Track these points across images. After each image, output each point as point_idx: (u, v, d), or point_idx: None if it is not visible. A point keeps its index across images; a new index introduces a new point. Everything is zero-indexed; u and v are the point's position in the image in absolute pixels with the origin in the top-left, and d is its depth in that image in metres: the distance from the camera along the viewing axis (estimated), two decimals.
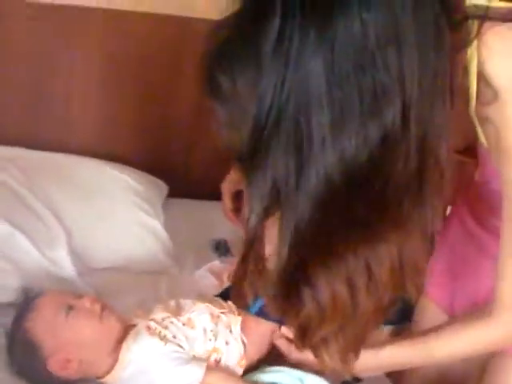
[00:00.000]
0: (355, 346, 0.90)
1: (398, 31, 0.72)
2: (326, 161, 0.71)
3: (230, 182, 1.36)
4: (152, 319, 1.14)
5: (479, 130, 0.88)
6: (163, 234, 1.58)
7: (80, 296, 1.18)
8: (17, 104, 1.80)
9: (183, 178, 1.89)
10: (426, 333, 1.06)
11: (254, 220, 0.76)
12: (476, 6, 0.82)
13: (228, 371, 1.13)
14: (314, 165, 0.71)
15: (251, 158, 0.74)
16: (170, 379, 1.07)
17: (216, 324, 1.14)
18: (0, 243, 1.31)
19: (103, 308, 1.15)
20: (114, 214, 1.56)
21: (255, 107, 0.72)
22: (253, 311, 1.13)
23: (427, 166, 0.76)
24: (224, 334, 1.13)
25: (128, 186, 1.65)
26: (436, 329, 1.04)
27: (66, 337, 1.12)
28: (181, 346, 1.11)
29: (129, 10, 1.77)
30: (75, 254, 1.41)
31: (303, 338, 0.88)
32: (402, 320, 1.27)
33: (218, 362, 1.13)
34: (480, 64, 0.82)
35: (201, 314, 1.15)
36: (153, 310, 1.18)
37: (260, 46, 0.71)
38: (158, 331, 1.11)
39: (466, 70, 0.84)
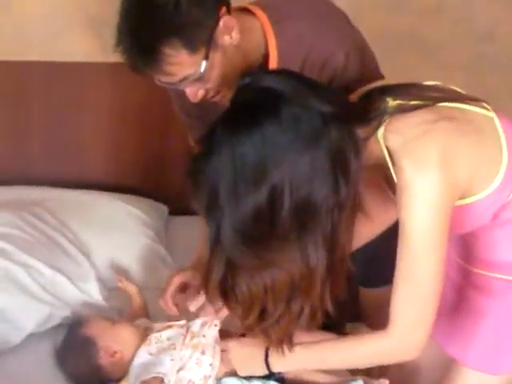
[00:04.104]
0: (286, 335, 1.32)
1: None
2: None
3: (182, 275, 1.58)
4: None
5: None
6: (166, 256, 2.00)
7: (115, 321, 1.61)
8: (40, 150, 2.21)
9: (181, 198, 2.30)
10: (329, 339, 1.36)
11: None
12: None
13: None
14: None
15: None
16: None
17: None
18: (46, 283, 1.75)
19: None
20: (126, 242, 1.97)
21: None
22: None
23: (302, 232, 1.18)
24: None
25: (136, 216, 2.06)
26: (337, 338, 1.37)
27: (114, 337, 1.54)
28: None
29: None
30: (101, 282, 1.83)
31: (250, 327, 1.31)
32: None
33: None
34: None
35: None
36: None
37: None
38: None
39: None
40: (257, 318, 1.27)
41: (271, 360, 1.39)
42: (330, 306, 1.28)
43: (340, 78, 1.42)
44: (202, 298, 1.53)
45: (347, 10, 1.61)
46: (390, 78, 1.67)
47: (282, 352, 1.35)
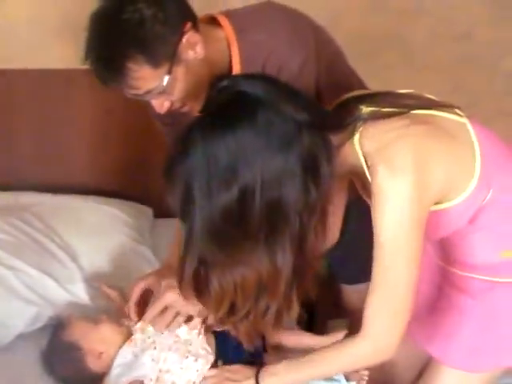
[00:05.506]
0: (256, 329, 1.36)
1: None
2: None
3: (144, 282, 1.61)
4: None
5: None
6: (151, 257, 2.03)
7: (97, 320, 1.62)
8: (26, 156, 2.23)
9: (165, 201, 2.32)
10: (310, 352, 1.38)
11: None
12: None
13: None
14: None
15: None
16: None
17: None
18: (34, 285, 1.78)
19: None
20: (111, 245, 1.99)
21: None
22: None
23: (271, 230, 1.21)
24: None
25: (121, 219, 2.09)
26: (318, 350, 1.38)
27: (98, 338, 1.56)
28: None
29: None
30: (87, 283, 1.86)
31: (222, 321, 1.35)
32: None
33: None
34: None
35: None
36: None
37: None
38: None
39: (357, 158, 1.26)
40: (226, 312, 1.30)
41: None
42: (296, 307, 1.31)
43: (294, 84, 1.41)
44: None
45: (326, 12, 1.65)
46: (370, 79, 1.71)
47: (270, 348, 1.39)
